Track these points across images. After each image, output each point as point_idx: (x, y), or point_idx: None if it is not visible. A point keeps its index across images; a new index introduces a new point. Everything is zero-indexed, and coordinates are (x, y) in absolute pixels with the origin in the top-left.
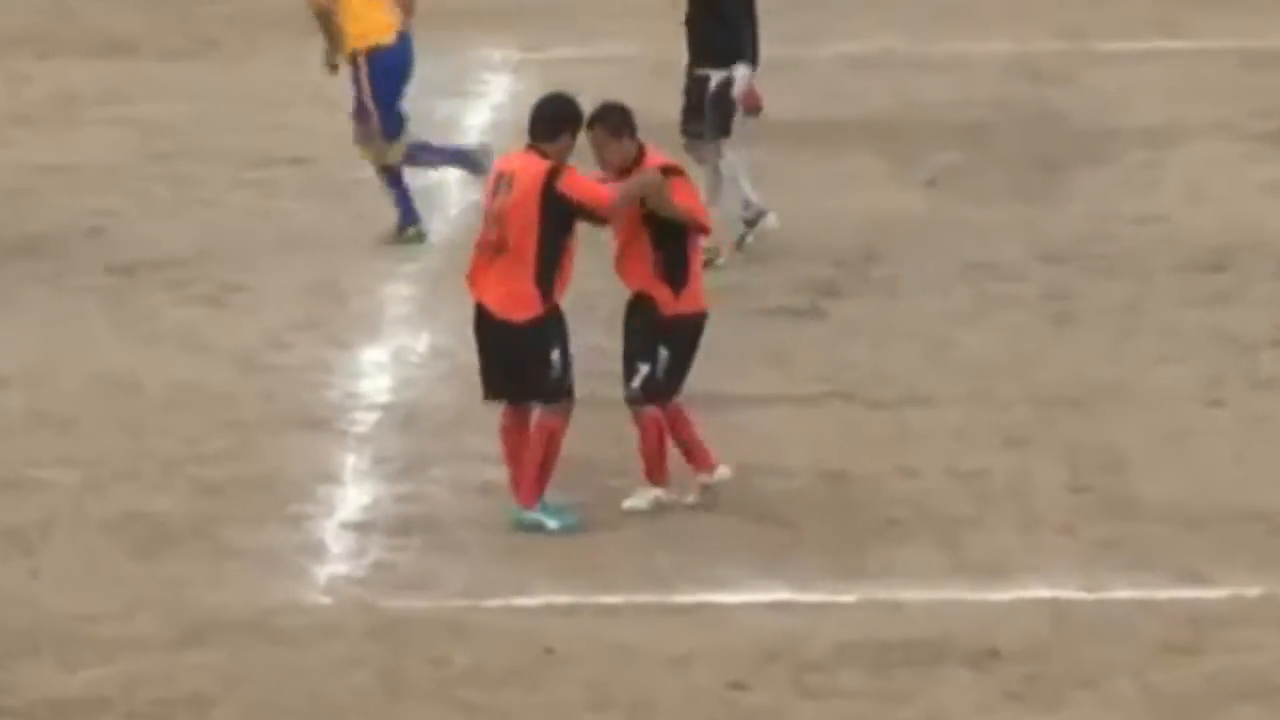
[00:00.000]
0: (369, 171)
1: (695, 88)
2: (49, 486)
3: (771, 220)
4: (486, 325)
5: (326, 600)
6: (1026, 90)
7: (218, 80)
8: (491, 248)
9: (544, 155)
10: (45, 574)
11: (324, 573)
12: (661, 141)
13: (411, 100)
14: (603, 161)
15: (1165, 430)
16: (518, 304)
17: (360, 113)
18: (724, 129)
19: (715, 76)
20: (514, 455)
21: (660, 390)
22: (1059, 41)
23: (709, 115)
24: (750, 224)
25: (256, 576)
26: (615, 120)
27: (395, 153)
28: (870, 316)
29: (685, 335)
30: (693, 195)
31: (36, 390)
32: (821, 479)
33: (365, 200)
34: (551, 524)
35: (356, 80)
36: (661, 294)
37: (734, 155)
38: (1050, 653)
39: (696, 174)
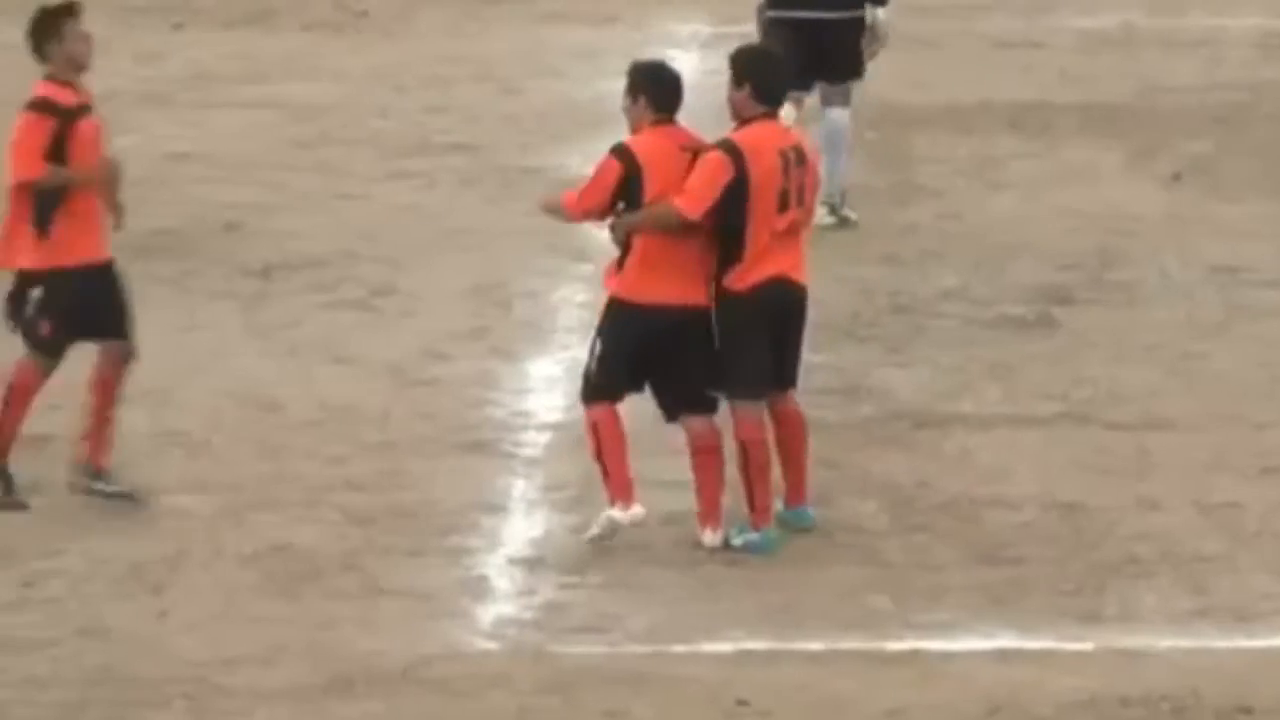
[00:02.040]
0: (542, 159)
1: None
2: (179, 516)
3: None
4: (790, 304)
5: (491, 645)
6: None
7: (368, 56)
8: (792, 227)
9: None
10: (175, 615)
11: (488, 614)
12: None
13: (585, 82)
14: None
15: None
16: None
17: None
18: None
19: None
20: (798, 453)
21: (593, 386)
22: None
23: None
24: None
25: (412, 618)
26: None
27: None
28: (1106, 327)
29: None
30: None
31: (164, 408)
32: (1052, 511)
33: (537, 192)
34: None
35: None
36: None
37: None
38: None
39: None
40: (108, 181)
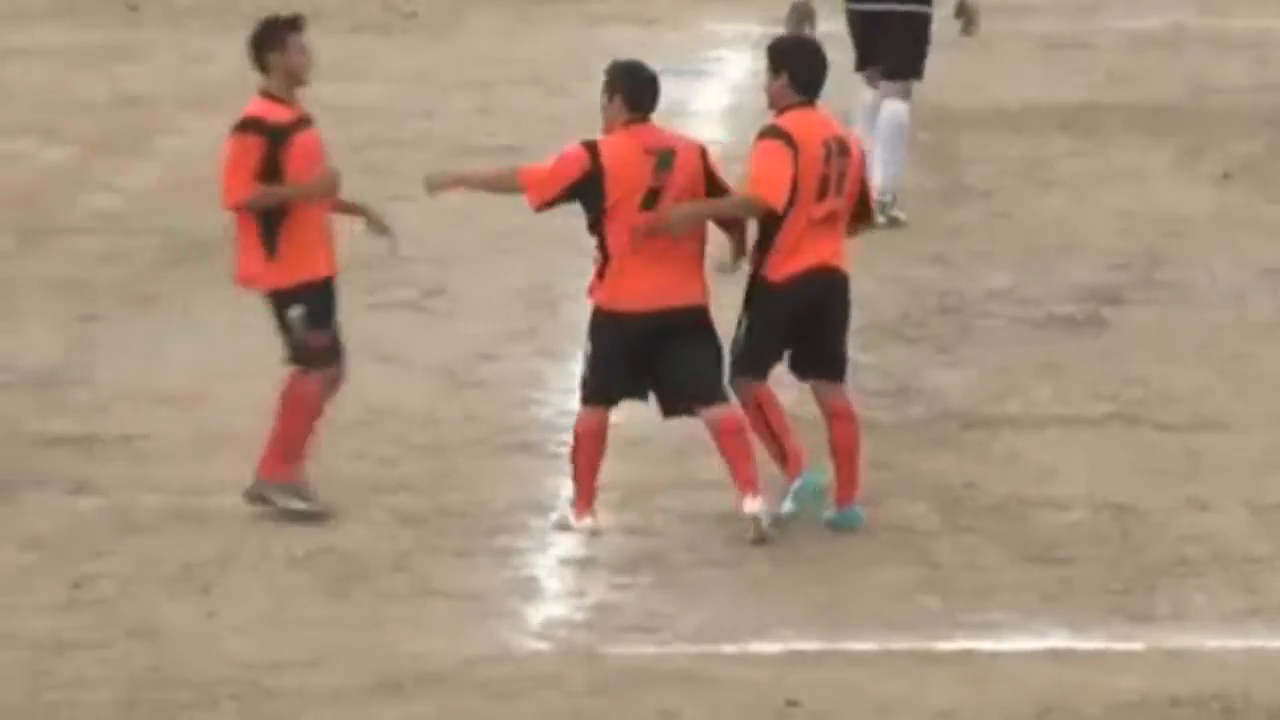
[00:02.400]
0: None
1: None
2: (228, 517)
3: None
4: (832, 292)
5: (541, 646)
6: None
7: (416, 57)
8: (830, 216)
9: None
10: (224, 616)
11: (538, 615)
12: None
13: None
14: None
15: None
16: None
17: None
18: None
19: None
20: (849, 450)
21: (589, 390)
22: None
23: None
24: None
25: (461, 619)
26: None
27: None
28: (1156, 328)
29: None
30: None
31: (213, 409)
32: (1102, 511)
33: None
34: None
35: None
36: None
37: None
38: None
39: None
40: (326, 194)
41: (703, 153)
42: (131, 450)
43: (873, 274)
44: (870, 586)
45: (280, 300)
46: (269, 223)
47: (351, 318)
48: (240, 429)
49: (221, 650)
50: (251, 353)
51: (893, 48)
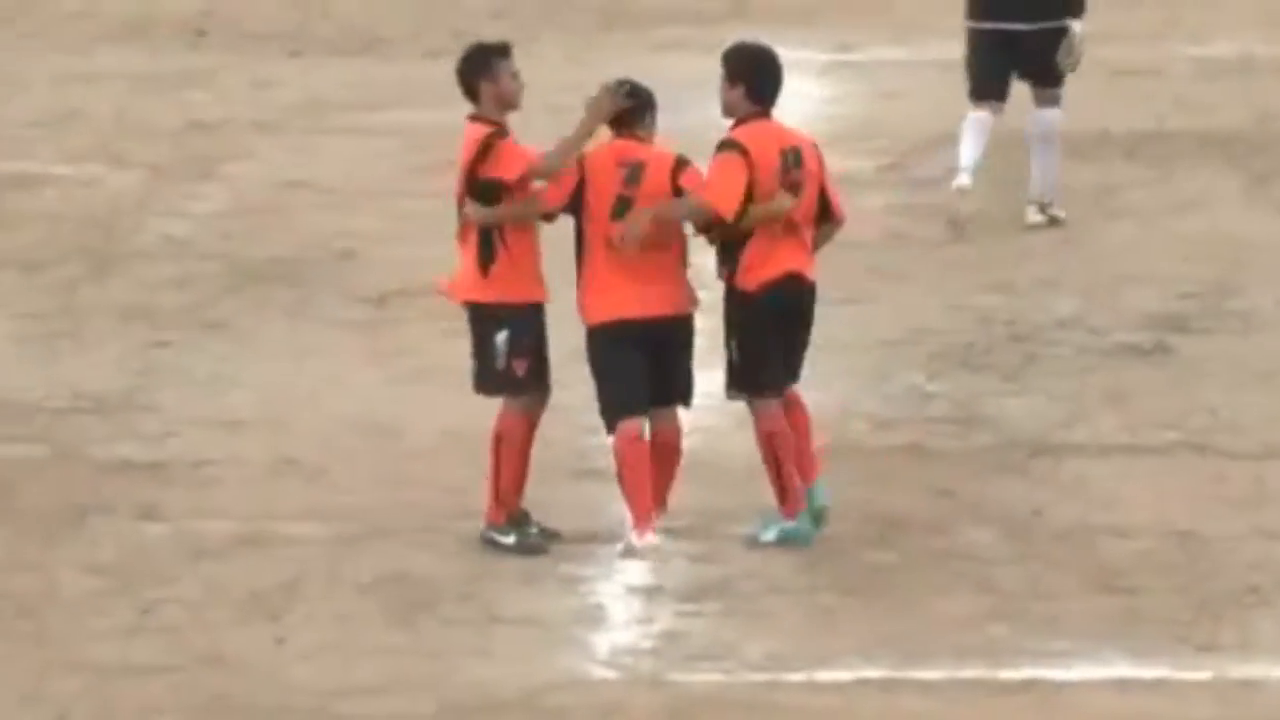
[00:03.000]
0: None
1: None
2: (296, 543)
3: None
4: (800, 302)
5: (608, 674)
6: None
7: None
8: (791, 225)
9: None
10: (292, 642)
11: (605, 643)
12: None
13: (696, 110)
14: None
15: None
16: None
17: None
18: None
19: None
20: (803, 432)
21: (611, 411)
22: None
23: None
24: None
25: (528, 647)
26: None
27: None
28: (1223, 356)
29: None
30: None
31: (281, 435)
32: (1168, 540)
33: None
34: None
35: None
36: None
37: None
38: None
39: None
40: (601, 115)
41: (676, 166)
42: (199, 476)
43: (940, 301)
44: (937, 614)
45: (484, 317)
46: (488, 240)
47: (424, 344)
48: (308, 455)
49: (289, 677)
50: (319, 378)
51: (1039, 62)
